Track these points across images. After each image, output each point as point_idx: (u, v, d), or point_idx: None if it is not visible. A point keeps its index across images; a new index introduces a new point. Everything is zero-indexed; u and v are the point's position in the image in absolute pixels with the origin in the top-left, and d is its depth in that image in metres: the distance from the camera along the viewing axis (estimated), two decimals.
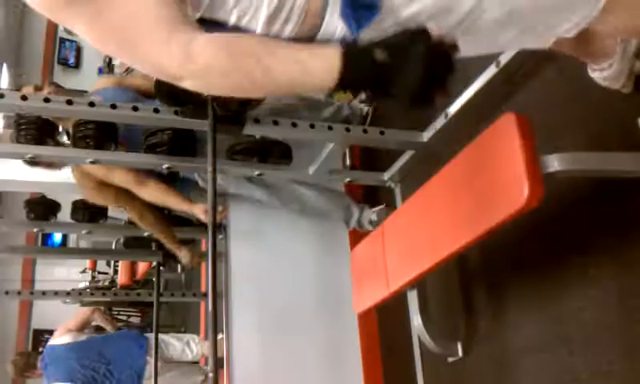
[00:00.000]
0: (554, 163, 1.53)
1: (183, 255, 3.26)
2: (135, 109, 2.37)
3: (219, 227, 2.99)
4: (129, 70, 6.16)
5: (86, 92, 5.81)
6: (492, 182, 1.63)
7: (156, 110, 2.36)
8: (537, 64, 2.04)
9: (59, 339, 3.65)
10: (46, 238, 5.95)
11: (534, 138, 1.55)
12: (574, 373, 1.83)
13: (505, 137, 1.59)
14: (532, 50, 1.99)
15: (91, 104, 2.36)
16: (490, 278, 2.26)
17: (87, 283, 6.26)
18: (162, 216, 3.22)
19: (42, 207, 3.43)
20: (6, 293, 4.09)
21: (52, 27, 6.51)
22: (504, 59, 2.07)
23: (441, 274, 2.42)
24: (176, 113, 2.34)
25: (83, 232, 3.58)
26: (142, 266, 5.52)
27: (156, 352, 3.52)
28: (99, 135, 2.85)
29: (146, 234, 3.33)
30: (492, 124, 1.66)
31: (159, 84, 2.39)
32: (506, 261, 2.16)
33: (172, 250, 3.28)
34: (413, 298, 2.26)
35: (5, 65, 5.83)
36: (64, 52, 6.81)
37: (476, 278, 2.33)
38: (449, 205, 1.81)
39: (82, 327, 3.76)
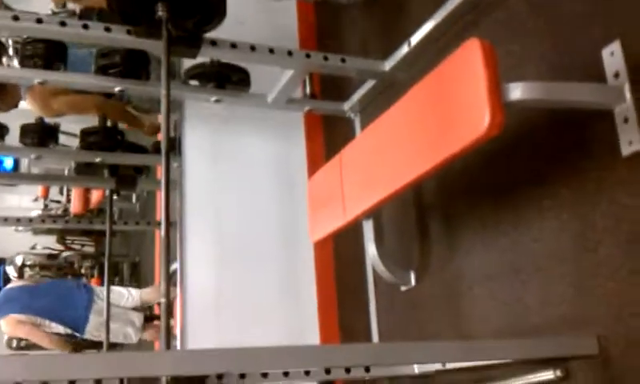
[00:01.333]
0: (517, 92, 1.51)
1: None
2: (85, 26, 2.25)
3: (174, 153, 2.93)
4: None
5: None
6: (452, 110, 1.61)
7: (107, 29, 2.25)
8: None
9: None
10: None
11: (497, 66, 1.52)
12: (524, 302, 1.86)
13: (468, 63, 1.56)
14: None
15: (39, 21, 2.23)
16: (445, 208, 2.26)
17: (40, 212, 6.14)
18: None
19: None
20: None
21: None
22: None
23: (397, 203, 2.42)
24: (128, 32, 2.23)
25: (33, 156, 3.46)
26: (95, 195, 5.42)
27: (108, 286, 3.50)
28: (48, 54, 2.74)
29: (98, 160, 3.23)
30: (456, 49, 1.62)
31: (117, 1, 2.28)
32: (462, 191, 2.17)
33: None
34: (368, 228, 2.26)
35: None
36: None
37: (431, 207, 2.34)
38: (408, 133, 1.79)
39: None
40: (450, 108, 1.62)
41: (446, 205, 2.26)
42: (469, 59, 1.56)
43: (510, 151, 1.93)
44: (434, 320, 2.27)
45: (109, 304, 3.45)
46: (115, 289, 3.98)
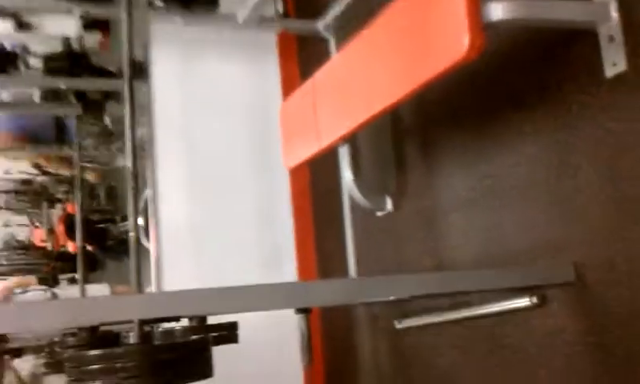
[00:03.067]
0: (497, 11, 1.42)
1: None
2: None
3: (142, 75, 2.81)
4: None
5: None
6: (430, 31, 1.52)
7: None
8: None
9: None
10: None
11: None
12: (501, 228, 1.84)
13: None
14: None
15: None
16: (423, 133, 2.21)
17: None
18: None
19: None
20: None
21: None
22: None
23: (374, 128, 2.36)
24: None
25: None
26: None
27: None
28: None
29: (63, 86, 3.10)
30: None
31: None
32: (441, 115, 2.11)
33: None
34: (344, 153, 2.20)
35: None
36: None
37: (409, 132, 2.28)
38: (384, 56, 1.70)
39: None
40: (427, 29, 1.53)
41: (424, 129, 2.20)
42: None
43: (490, 74, 1.86)
44: (411, 246, 2.25)
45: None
46: None
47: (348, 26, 2.50)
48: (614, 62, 1.47)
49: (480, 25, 1.40)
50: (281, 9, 2.69)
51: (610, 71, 1.49)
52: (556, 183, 1.65)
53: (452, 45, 1.43)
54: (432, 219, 2.13)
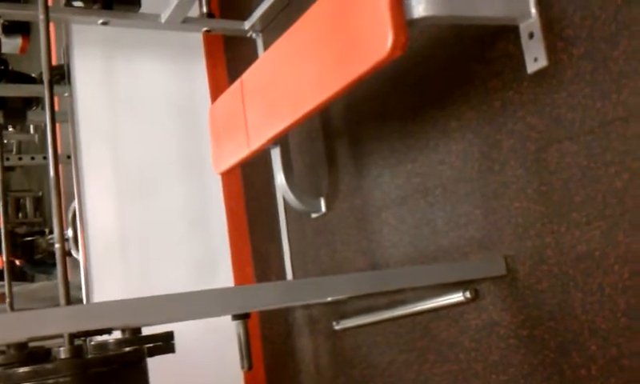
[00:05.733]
0: (419, 8, 1.41)
1: None
2: None
3: (62, 81, 2.70)
4: None
5: None
6: (354, 30, 1.50)
7: None
8: None
9: None
10: None
11: None
12: (432, 225, 1.84)
13: None
14: None
15: None
16: (354, 133, 2.19)
17: None
18: None
19: None
20: None
21: None
22: None
23: (305, 129, 2.33)
24: None
25: None
26: None
27: (6, 227, 3.25)
28: None
29: None
30: None
31: None
32: (370, 114, 2.09)
33: None
34: (276, 156, 2.16)
35: None
36: None
37: (340, 132, 2.25)
38: (310, 55, 1.67)
39: None
40: (351, 28, 1.51)
41: (353, 129, 2.18)
42: None
43: (416, 72, 1.86)
44: (345, 246, 2.23)
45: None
46: None
47: (275, 26, 2.47)
48: (535, 58, 1.48)
49: (403, 22, 1.39)
50: (205, 9, 2.62)
51: (531, 67, 1.50)
52: (483, 179, 1.66)
53: (375, 43, 1.42)
54: (364, 219, 2.12)
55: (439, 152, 1.79)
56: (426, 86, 1.84)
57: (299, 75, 1.72)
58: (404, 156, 1.93)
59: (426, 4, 1.41)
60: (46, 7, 2.05)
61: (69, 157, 2.78)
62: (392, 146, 1.98)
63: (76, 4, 2.47)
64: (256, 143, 1.95)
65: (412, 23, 1.41)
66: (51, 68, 2.07)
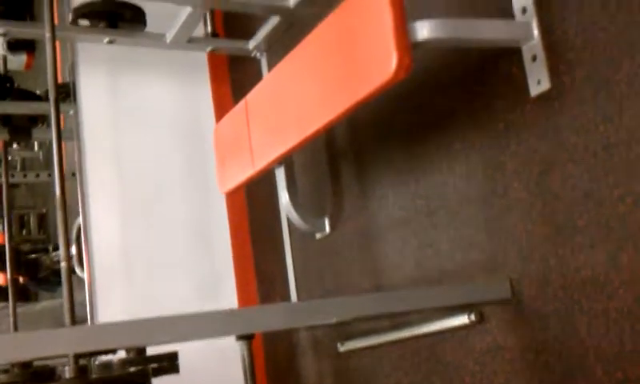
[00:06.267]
0: (424, 31, 1.42)
1: None
2: None
3: (68, 98, 2.71)
4: None
5: None
6: (359, 52, 1.51)
7: None
8: None
9: None
10: None
11: (402, 3, 1.43)
12: (436, 247, 1.83)
13: (372, 2, 1.45)
14: None
15: None
16: (358, 153, 2.19)
17: None
18: None
19: None
20: None
21: None
22: None
23: (308, 148, 2.33)
24: None
25: None
26: None
27: (10, 241, 3.26)
28: None
29: None
30: None
31: None
32: (374, 134, 2.10)
33: None
34: (280, 176, 2.17)
35: None
36: None
37: (344, 152, 2.26)
38: (314, 77, 1.68)
39: None
40: (355, 50, 1.52)
41: (358, 149, 2.19)
42: None
43: (420, 93, 1.86)
44: (349, 267, 2.22)
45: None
46: None
47: (279, 46, 2.48)
48: (538, 81, 1.48)
49: (407, 45, 1.40)
50: (210, 29, 2.64)
51: (534, 90, 1.50)
52: (487, 201, 1.66)
53: (380, 65, 1.42)
54: (369, 240, 2.12)
55: (443, 173, 1.79)
56: (430, 107, 1.85)
57: (303, 96, 1.72)
58: (408, 177, 1.92)
59: (429, 27, 1.42)
60: (53, 25, 2.07)
61: (73, 174, 2.79)
62: (396, 166, 1.98)
63: (82, 22, 2.49)
64: (261, 163, 1.96)
65: (416, 45, 1.41)
66: (57, 86, 2.09)
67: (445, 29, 1.46)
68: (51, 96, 2.04)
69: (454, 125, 1.75)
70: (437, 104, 1.82)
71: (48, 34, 2.05)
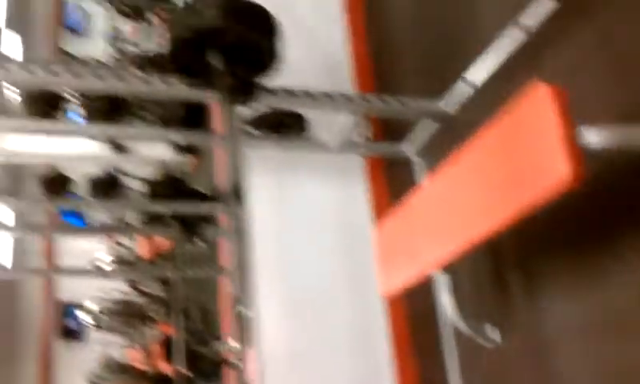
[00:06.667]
0: (594, 138, 1.39)
1: None
2: (146, 81, 2.26)
3: (237, 199, 2.91)
4: (137, 36, 6.07)
5: (95, 60, 5.73)
6: (524, 160, 1.50)
7: (167, 82, 2.25)
8: (565, 24, 1.88)
9: None
10: (66, 214, 5.89)
11: (569, 110, 1.41)
12: (624, 361, 1.69)
13: (537, 108, 1.45)
14: (559, 10, 1.86)
15: (100, 77, 2.25)
16: (525, 257, 2.10)
17: (109, 256, 6.23)
18: None
19: (58, 183, 3.36)
20: (31, 271, 4.09)
21: None
22: (528, 21, 1.93)
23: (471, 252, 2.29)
24: (187, 85, 2.23)
25: (100, 209, 3.53)
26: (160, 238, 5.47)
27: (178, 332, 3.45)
28: (112, 110, 2.78)
29: (163, 210, 3.25)
30: (521, 94, 1.52)
31: (170, 54, 2.29)
32: (540, 240, 2.02)
33: None
34: (442, 280, 2.15)
35: (13, 33, 5.72)
36: (71, 17, 6.66)
37: (510, 255, 2.18)
38: (478, 183, 1.68)
39: None
40: (521, 157, 1.51)
41: (525, 253, 2.10)
42: (538, 106, 1.45)
43: (589, 198, 1.78)
44: (521, 379, 2.10)
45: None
46: None
47: (435, 148, 2.52)
48: None
49: (579, 152, 1.37)
50: (368, 133, 2.75)
51: None
52: None
53: (550, 174, 1.40)
54: (541, 353, 1.99)
55: (615, 284, 1.68)
56: (600, 214, 1.76)
57: (467, 202, 1.73)
58: (578, 286, 1.82)
59: (601, 134, 1.39)
60: (229, 135, 2.26)
61: (236, 271, 2.95)
62: (565, 275, 1.88)
63: (251, 131, 2.70)
64: (423, 268, 1.96)
65: (587, 152, 1.38)
66: (236, 189, 2.25)
67: (619, 136, 1.42)
68: (229, 199, 2.20)
69: (625, 233, 1.65)
70: (606, 211, 1.73)
71: (224, 143, 2.23)
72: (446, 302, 2.15)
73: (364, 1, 3.36)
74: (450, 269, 2.14)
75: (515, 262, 2.16)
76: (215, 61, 2.05)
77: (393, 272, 2.18)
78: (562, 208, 1.79)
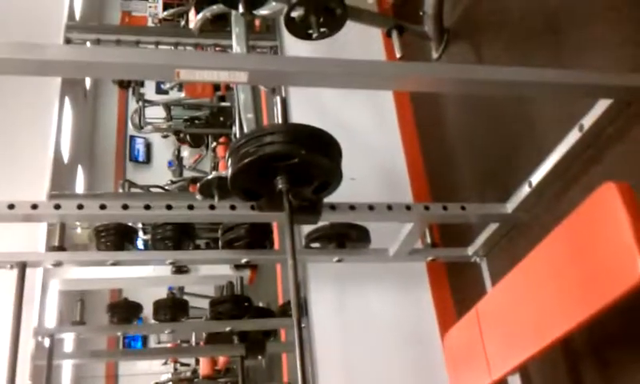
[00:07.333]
0: None
1: None
2: (212, 207, 2.37)
3: (302, 314, 2.94)
4: (197, 161, 6.36)
5: (157, 186, 5.98)
6: (598, 258, 1.53)
7: (232, 207, 2.36)
8: (624, 124, 1.94)
9: None
10: (128, 336, 5.99)
11: (639, 207, 1.45)
12: None
13: (607, 208, 1.50)
14: (618, 110, 1.92)
15: (168, 207, 2.37)
16: (598, 356, 2.08)
17: (170, 375, 6.26)
18: None
19: (124, 310, 3.46)
20: None
21: (122, 125, 6.78)
22: (587, 122, 1.99)
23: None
24: (252, 207, 2.33)
25: (167, 331, 3.60)
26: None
27: None
28: (177, 236, 2.90)
29: (227, 329, 3.29)
30: (590, 195, 1.56)
31: (234, 180, 2.40)
32: (617, 334, 1.99)
33: None
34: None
35: (80, 167, 6.08)
36: (135, 148, 7.04)
37: (582, 355, 2.16)
38: (551, 283, 1.70)
39: None
40: (592, 258, 1.54)
41: (600, 352, 2.07)
42: (607, 204, 1.50)
43: None
44: None
45: None
46: None
47: (499, 249, 2.54)
48: None
49: None
50: (429, 239, 2.79)
51: None
52: None
53: (623, 273, 1.42)
54: None
55: None
56: None
57: (540, 304, 1.74)
58: None
59: None
60: (294, 251, 2.32)
61: None
62: None
63: (314, 245, 2.77)
64: (498, 373, 1.95)
65: None
66: (299, 306, 2.29)
67: None
68: (294, 315, 2.22)
69: None
70: None
71: (290, 261, 2.28)
72: None
73: (414, 112, 3.50)
74: (524, 369, 2.11)
75: (588, 357, 2.12)
76: (281, 184, 2.14)
77: (465, 379, 2.17)
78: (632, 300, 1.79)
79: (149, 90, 6.34)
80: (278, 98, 2.22)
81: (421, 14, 3.09)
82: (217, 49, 3.79)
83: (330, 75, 1.90)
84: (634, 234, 1.41)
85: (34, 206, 2.19)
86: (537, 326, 1.74)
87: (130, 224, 2.90)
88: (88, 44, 3.61)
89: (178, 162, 6.38)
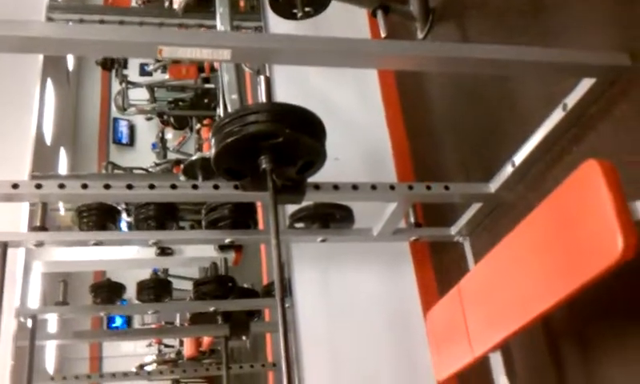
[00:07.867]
0: None
1: None
2: (195, 187, 2.36)
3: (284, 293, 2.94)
4: (182, 143, 6.31)
5: (141, 168, 5.95)
6: (578, 236, 1.54)
7: (216, 186, 2.34)
8: (607, 103, 1.94)
9: None
10: (111, 318, 5.98)
11: (620, 185, 1.46)
12: None
13: (589, 186, 1.50)
14: (601, 89, 1.93)
15: (151, 186, 2.35)
16: (578, 333, 2.10)
17: (154, 357, 6.26)
18: None
19: (108, 290, 3.44)
20: (76, 377, 4.11)
21: (105, 107, 6.71)
22: (571, 101, 2.00)
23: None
24: (236, 187, 2.31)
25: (150, 312, 3.58)
26: (207, 338, 5.48)
27: None
28: (161, 216, 2.88)
29: (211, 309, 3.29)
30: (573, 173, 1.57)
31: (218, 159, 2.39)
32: (596, 312, 2.02)
33: None
34: (497, 361, 2.14)
35: (63, 149, 6.03)
36: (118, 130, 6.99)
37: (563, 332, 2.18)
38: (533, 260, 1.71)
39: None
40: (574, 235, 1.55)
41: (579, 328, 2.10)
42: (590, 182, 1.50)
43: None
44: None
45: None
46: None
47: (481, 230, 2.55)
48: None
49: (632, 225, 1.41)
50: (413, 219, 2.79)
51: None
52: None
53: (604, 248, 1.44)
54: None
55: None
56: None
57: (522, 281, 1.75)
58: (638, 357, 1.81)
59: None
60: (277, 231, 2.31)
61: (274, 365, 3.11)
62: (623, 346, 1.87)
63: (298, 225, 2.77)
64: (480, 350, 1.96)
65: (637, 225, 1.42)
66: (283, 286, 2.28)
67: None
68: (278, 295, 2.22)
69: None
70: None
71: (274, 241, 2.27)
72: (500, 380, 2.13)
73: (398, 92, 3.50)
74: (505, 347, 2.13)
75: (568, 334, 2.15)
76: (264, 163, 2.12)
77: (448, 355, 2.18)
78: (614, 277, 1.81)
79: (132, 72, 6.27)
80: (262, 78, 2.20)
81: None
82: (201, 29, 3.76)
83: (313, 52, 1.89)
84: (616, 211, 1.42)
85: (15, 186, 2.16)
86: (518, 302, 1.75)
87: (112, 204, 2.88)
88: (70, 24, 3.56)
89: (161, 144, 6.33)
